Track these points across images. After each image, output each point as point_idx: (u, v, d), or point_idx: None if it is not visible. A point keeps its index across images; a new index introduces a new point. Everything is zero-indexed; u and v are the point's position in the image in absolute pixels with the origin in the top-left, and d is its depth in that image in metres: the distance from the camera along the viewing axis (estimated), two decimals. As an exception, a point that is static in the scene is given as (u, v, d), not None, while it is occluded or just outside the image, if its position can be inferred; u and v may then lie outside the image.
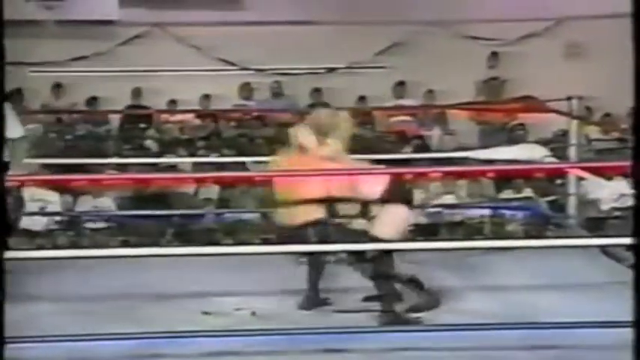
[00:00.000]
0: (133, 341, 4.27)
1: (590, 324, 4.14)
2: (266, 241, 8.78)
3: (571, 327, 4.21)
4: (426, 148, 10.18)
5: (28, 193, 9.10)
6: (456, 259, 6.09)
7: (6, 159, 5.69)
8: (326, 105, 11.42)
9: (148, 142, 10.64)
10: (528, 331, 4.37)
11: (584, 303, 5.05)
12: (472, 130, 10.67)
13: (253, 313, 5.13)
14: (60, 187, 9.04)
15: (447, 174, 8.80)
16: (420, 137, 10.70)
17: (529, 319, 4.72)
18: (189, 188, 9.86)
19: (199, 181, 9.35)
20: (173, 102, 11.20)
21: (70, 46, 10.97)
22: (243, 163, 9.26)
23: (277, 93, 11.59)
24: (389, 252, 4.83)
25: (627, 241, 2.32)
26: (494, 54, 11.28)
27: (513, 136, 10.06)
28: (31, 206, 8.90)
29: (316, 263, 5.29)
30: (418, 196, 9.41)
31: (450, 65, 10.60)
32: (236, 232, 9.22)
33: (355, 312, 5.00)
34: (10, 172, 5.94)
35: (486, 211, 8.54)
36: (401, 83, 11.43)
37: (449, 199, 9.09)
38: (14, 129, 5.96)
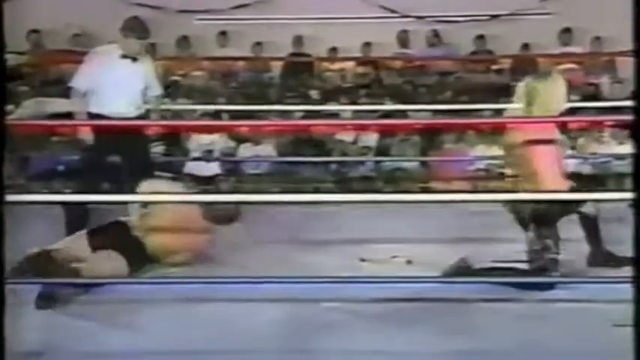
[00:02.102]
0: (292, 285, 4.38)
1: None
2: (425, 190, 8.82)
3: None
4: (595, 97, 9.88)
5: (195, 139, 9.47)
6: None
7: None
8: (490, 52, 11.32)
9: (310, 91, 10.76)
10: None
11: None
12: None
13: (409, 262, 5.17)
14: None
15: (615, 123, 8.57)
16: (590, 85, 10.40)
17: None
18: (349, 136, 9.94)
19: (364, 129, 9.42)
20: (334, 49, 11.25)
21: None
22: (405, 111, 9.22)
23: (435, 42, 11.48)
24: None
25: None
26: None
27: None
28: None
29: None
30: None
31: (618, 11, 10.16)
32: (395, 180, 9.28)
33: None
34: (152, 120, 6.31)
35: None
36: (567, 30, 11.10)
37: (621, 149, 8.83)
38: (154, 88, 6.26)
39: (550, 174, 4.68)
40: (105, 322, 4.15)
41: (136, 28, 6.02)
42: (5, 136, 2.28)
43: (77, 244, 4.92)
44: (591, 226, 5.03)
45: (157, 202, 5.08)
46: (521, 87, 5.05)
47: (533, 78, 4.94)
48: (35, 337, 3.88)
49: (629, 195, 2.26)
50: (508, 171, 4.98)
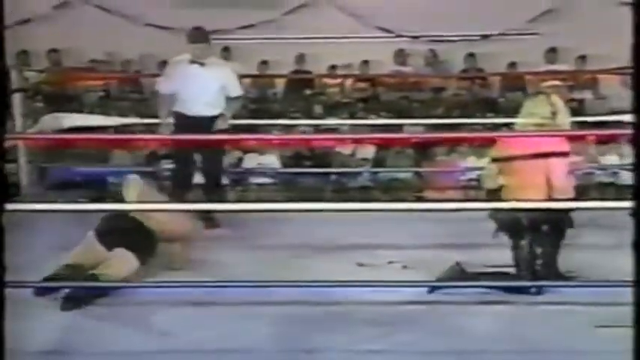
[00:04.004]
0: (293, 289, 4.37)
1: None
2: (419, 199, 8.81)
3: None
4: (578, 113, 9.88)
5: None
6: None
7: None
8: (480, 70, 11.34)
9: (312, 106, 10.77)
10: None
11: None
12: (625, 95, 10.26)
13: (404, 267, 5.16)
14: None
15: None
16: (574, 101, 10.41)
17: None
18: (347, 149, 9.94)
19: (362, 142, 9.44)
20: (333, 67, 11.29)
21: (241, 14, 11.19)
22: (400, 125, 9.24)
23: (431, 60, 11.50)
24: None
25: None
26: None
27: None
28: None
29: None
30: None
31: (602, 31, 10.20)
32: (391, 190, 9.27)
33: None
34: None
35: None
36: (552, 49, 11.13)
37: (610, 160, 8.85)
38: (232, 89, 6.58)
39: (564, 185, 4.68)
40: (128, 323, 4.15)
41: (196, 35, 6.47)
42: (5, 148, 2.26)
43: (92, 249, 4.87)
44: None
45: (168, 210, 5.05)
46: (535, 102, 5.01)
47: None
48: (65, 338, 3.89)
49: (627, 204, 2.22)
50: (500, 180, 4.94)
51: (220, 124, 6.42)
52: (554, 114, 4.86)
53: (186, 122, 6.41)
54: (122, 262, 4.74)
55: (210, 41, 6.59)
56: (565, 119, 4.91)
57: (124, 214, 5.00)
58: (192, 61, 6.47)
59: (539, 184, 4.67)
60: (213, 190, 6.66)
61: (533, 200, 4.61)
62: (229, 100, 6.56)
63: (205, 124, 6.33)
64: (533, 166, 4.71)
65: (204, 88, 6.42)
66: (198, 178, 6.76)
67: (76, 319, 4.22)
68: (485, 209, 5.33)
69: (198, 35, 6.49)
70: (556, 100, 4.98)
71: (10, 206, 2.22)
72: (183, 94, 6.48)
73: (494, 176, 4.98)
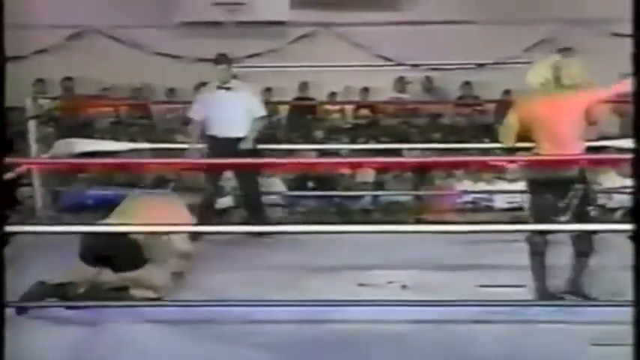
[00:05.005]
0: (297, 308, 4.36)
1: None
2: (419, 221, 8.78)
3: None
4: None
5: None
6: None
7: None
8: (476, 97, 11.37)
9: (314, 132, 10.78)
10: None
11: None
12: (615, 121, 10.26)
13: (404, 286, 5.14)
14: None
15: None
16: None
17: None
18: (348, 172, 9.92)
19: (367, 166, 9.46)
20: (334, 94, 11.32)
21: (247, 44, 11.23)
22: (399, 149, 9.24)
23: (427, 86, 11.55)
24: None
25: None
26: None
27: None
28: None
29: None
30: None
31: (594, 60, 10.20)
32: (391, 212, 9.24)
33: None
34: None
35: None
36: (545, 77, 11.16)
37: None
38: (257, 111, 6.90)
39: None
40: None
41: (220, 59, 6.95)
42: (4, 171, 2.25)
43: (78, 267, 4.76)
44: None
45: (168, 232, 4.98)
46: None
47: None
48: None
49: (627, 227, 2.22)
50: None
51: (244, 145, 6.69)
52: (556, 75, 4.85)
53: (217, 144, 6.71)
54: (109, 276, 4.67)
55: (232, 64, 7.02)
56: (577, 79, 4.85)
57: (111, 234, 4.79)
58: (219, 87, 6.85)
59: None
60: (257, 211, 6.99)
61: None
62: (254, 120, 6.86)
63: (234, 144, 6.66)
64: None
65: (232, 110, 6.76)
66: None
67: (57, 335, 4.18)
68: (480, 231, 5.34)
69: (222, 59, 6.95)
70: (559, 60, 4.97)
71: (9, 228, 2.20)
72: (213, 119, 6.81)
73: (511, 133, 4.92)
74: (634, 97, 2.07)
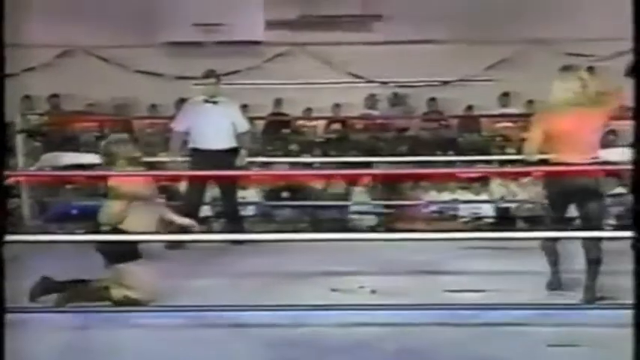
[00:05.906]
0: (274, 312, 4.40)
1: None
2: (388, 229, 8.84)
3: None
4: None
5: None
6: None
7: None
8: (440, 112, 11.48)
9: (289, 145, 10.83)
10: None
11: None
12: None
13: (373, 291, 5.20)
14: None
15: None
16: (524, 140, 10.52)
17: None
18: (321, 183, 9.96)
19: (334, 178, 9.51)
20: (308, 110, 11.39)
21: (225, 62, 11.26)
22: (370, 163, 9.31)
23: (394, 101, 11.65)
24: None
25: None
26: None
27: (605, 141, 9.74)
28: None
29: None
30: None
31: (551, 79, 10.36)
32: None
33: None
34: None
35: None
36: (505, 94, 11.32)
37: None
38: (241, 125, 6.90)
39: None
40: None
41: (208, 73, 6.94)
42: (5, 183, 2.27)
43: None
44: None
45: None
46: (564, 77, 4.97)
47: None
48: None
49: (627, 233, 2.22)
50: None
51: (239, 161, 6.72)
52: (584, 87, 4.85)
53: (201, 156, 6.67)
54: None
55: (220, 80, 6.98)
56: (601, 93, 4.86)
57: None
58: (207, 101, 6.81)
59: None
60: (234, 220, 6.98)
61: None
62: (239, 135, 6.85)
63: (219, 156, 6.64)
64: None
65: (218, 124, 6.71)
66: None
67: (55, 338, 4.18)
68: (447, 239, 5.40)
69: (210, 73, 6.97)
70: (584, 73, 4.97)
71: (9, 237, 2.23)
72: (196, 131, 6.74)
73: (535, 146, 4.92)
74: (634, 108, 2.04)
